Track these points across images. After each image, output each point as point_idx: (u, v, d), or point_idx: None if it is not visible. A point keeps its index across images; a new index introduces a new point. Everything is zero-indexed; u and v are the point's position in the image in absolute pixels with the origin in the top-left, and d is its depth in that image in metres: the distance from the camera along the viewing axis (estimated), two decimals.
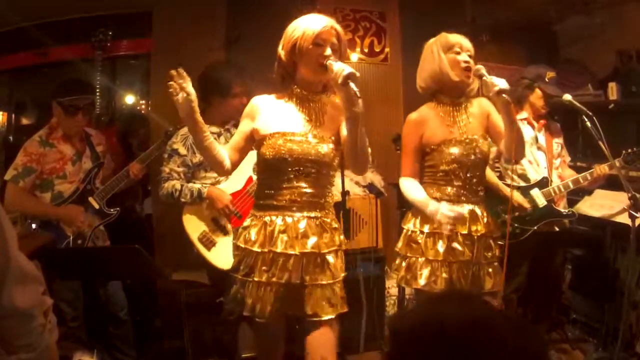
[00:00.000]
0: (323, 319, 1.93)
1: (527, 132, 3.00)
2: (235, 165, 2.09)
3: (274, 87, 2.10)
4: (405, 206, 2.58)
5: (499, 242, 2.32)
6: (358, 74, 1.79)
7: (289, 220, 1.97)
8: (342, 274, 2.02)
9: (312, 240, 1.95)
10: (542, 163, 3.06)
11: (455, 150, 2.25)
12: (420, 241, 2.27)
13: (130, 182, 2.96)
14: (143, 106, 4.49)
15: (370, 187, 3.29)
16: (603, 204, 3.07)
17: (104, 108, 3.67)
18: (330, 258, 1.98)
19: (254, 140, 2.05)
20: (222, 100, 2.77)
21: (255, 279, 1.95)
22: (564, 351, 3.27)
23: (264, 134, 1.99)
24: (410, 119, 2.36)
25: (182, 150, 2.74)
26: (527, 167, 3.04)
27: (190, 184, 2.72)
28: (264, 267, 1.94)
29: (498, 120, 2.26)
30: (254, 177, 2.73)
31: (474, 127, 2.30)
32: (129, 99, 4.77)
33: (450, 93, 2.31)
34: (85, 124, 2.88)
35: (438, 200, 2.25)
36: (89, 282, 2.83)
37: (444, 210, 2.13)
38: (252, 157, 2.79)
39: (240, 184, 2.76)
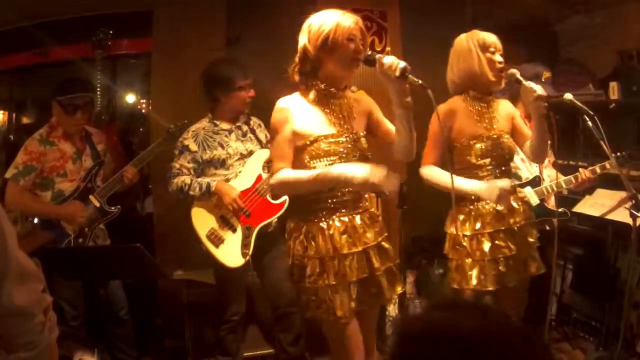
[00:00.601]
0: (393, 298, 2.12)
1: None
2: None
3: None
4: (406, 204, 2.59)
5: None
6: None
7: (345, 219, 2.00)
8: (397, 259, 2.16)
9: (369, 234, 2.03)
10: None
11: (484, 145, 2.32)
12: (464, 244, 2.32)
13: (128, 184, 2.95)
14: (143, 105, 4.49)
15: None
16: (604, 204, 3.06)
17: (104, 107, 3.67)
18: (385, 244, 2.09)
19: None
20: (228, 95, 2.75)
21: (327, 282, 1.95)
22: (564, 351, 3.27)
23: (306, 139, 1.97)
24: (440, 109, 2.33)
25: (193, 147, 2.73)
26: (520, 165, 3.05)
27: (199, 179, 2.71)
28: (333, 270, 1.95)
29: (521, 123, 2.38)
30: (264, 175, 2.74)
31: (502, 125, 2.39)
32: (130, 98, 4.77)
33: (481, 90, 2.36)
34: (84, 123, 2.88)
35: (474, 201, 2.34)
36: (90, 282, 2.83)
37: (499, 183, 2.17)
38: (261, 155, 2.80)
39: (250, 182, 2.75)
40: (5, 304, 1.07)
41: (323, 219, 2.00)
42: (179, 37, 3.57)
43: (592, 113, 2.68)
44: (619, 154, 2.89)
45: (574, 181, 2.97)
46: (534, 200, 2.96)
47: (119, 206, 2.91)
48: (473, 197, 2.33)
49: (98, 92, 3.50)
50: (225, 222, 2.72)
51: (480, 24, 3.91)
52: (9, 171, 2.70)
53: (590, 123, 2.68)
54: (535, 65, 3.14)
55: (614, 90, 3.52)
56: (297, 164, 2.00)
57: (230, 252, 2.67)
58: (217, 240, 2.68)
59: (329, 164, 1.94)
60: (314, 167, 1.95)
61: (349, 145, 1.99)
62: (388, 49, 3.90)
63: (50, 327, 1.16)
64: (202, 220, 2.71)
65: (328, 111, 2.01)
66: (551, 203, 3.10)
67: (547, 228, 3.05)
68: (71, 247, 2.73)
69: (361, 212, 2.06)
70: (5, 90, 4.74)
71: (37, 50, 4.07)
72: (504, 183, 2.17)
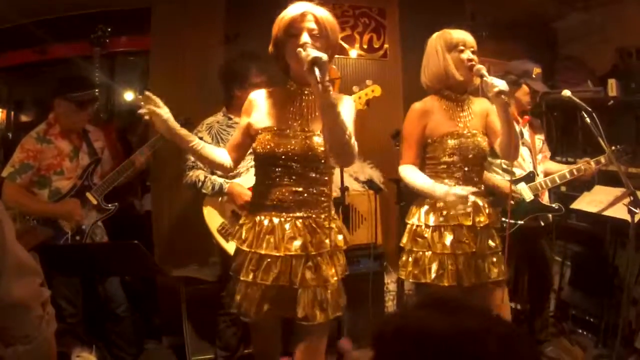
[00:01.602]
0: (313, 324, 1.88)
1: None
2: (237, 161, 2.09)
3: (281, 82, 2.08)
4: (404, 201, 2.59)
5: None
6: (325, 58, 1.66)
7: (275, 220, 1.92)
8: (335, 278, 1.93)
9: (297, 242, 1.88)
10: (527, 158, 3.06)
11: (456, 143, 2.29)
12: (426, 235, 2.29)
13: (134, 172, 2.94)
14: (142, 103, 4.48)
15: (370, 182, 3.29)
16: (602, 200, 3.07)
17: (102, 105, 3.67)
18: (320, 260, 1.91)
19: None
20: (243, 91, 2.75)
21: (242, 278, 1.93)
22: (563, 347, 3.28)
23: (256, 130, 1.96)
24: (415, 108, 2.38)
25: (207, 139, 2.77)
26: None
27: (213, 177, 2.74)
28: (250, 267, 1.91)
29: (495, 120, 2.29)
30: None
31: (475, 123, 2.35)
32: (128, 95, 4.76)
33: (455, 89, 2.35)
34: (89, 119, 2.89)
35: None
36: (88, 279, 2.83)
37: (455, 190, 2.13)
38: None
39: None
40: (3, 297, 1.07)
41: (259, 214, 1.95)
42: (177, 34, 3.57)
43: (590, 110, 2.69)
44: (615, 147, 2.89)
45: (568, 176, 2.97)
46: (528, 196, 2.96)
47: (116, 203, 2.90)
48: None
49: (97, 90, 3.49)
50: (236, 218, 2.73)
51: (479, 21, 3.93)
52: (5, 170, 2.70)
53: (588, 120, 2.69)
54: (525, 62, 3.12)
55: (612, 88, 3.52)
56: (254, 159, 2.02)
57: None
58: (228, 235, 2.73)
59: (272, 156, 1.91)
60: (261, 159, 1.95)
61: (293, 142, 1.89)
62: (386, 46, 3.90)
63: (48, 320, 1.16)
64: (214, 215, 2.78)
65: (290, 107, 1.96)
66: (545, 199, 3.09)
67: (542, 224, 3.05)
68: (70, 244, 2.73)
69: (300, 217, 1.91)
70: (3, 88, 4.73)
71: (35, 48, 4.06)
72: (463, 191, 2.13)
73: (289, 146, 1.89)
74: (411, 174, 2.33)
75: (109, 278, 2.89)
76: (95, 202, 2.83)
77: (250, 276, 1.91)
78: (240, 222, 2.04)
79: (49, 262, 2.26)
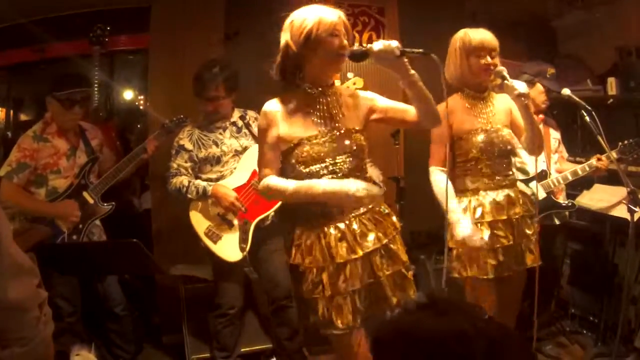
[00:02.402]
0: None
1: None
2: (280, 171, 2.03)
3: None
4: (404, 199, 2.60)
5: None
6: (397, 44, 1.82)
7: (341, 225, 1.91)
8: (406, 257, 2.02)
9: (371, 237, 1.92)
10: (541, 157, 3.06)
11: (482, 138, 2.38)
12: None
13: (140, 163, 2.94)
14: (141, 102, 4.48)
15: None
16: (602, 198, 3.07)
17: (101, 103, 3.66)
18: (392, 245, 1.98)
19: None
20: (200, 102, 2.78)
21: (327, 293, 1.87)
22: (562, 346, 3.28)
23: (290, 143, 1.92)
24: (440, 108, 2.39)
25: (189, 146, 2.78)
26: (527, 160, 3.04)
27: (197, 182, 2.75)
28: (330, 281, 1.87)
29: (518, 117, 2.39)
30: None
31: (498, 118, 2.44)
32: (127, 94, 4.76)
33: (475, 89, 2.44)
34: (81, 118, 2.87)
35: (475, 191, 2.39)
36: (87, 278, 2.83)
37: (463, 231, 2.24)
38: (256, 150, 2.80)
39: (245, 178, 2.77)
40: (0, 298, 1.06)
41: (318, 226, 1.92)
42: (176, 33, 3.56)
43: (589, 108, 2.68)
44: (628, 141, 2.91)
45: (580, 173, 2.99)
46: (541, 194, 2.98)
47: (113, 203, 2.89)
48: (475, 188, 2.42)
49: (95, 89, 3.48)
50: (223, 219, 2.75)
51: (479, 19, 3.93)
52: (2, 169, 2.69)
53: (588, 118, 2.68)
54: (540, 63, 3.16)
55: (612, 86, 3.52)
56: (288, 168, 1.96)
57: (228, 247, 2.70)
58: (215, 237, 2.72)
59: (317, 170, 1.89)
60: (304, 172, 1.90)
61: (334, 145, 1.91)
62: None
63: (45, 321, 1.15)
64: (200, 218, 2.76)
65: (312, 111, 1.94)
66: (562, 198, 3.13)
67: (557, 222, 3.08)
68: (69, 243, 2.72)
69: (361, 214, 1.95)
70: (2, 87, 4.72)
71: (34, 47, 4.05)
72: (474, 232, 2.26)
73: (332, 151, 1.91)
74: (438, 183, 2.39)
75: (107, 277, 2.88)
76: (92, 201, 2.82)
77: (329, 290, 1.87)
78: (296, 242, 1.97)
79: (47, 262, 2.25)
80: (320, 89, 1.96)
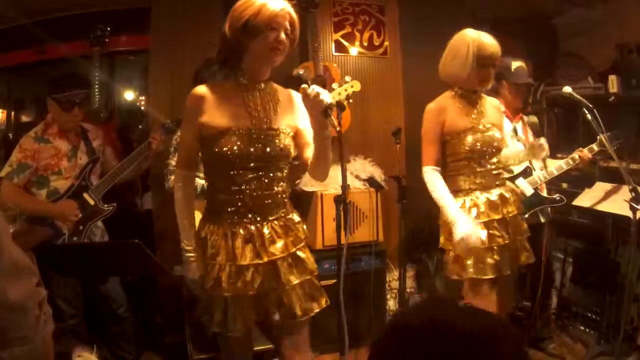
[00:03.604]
0: (309, 316, 1.88)
1: (506, 124, 2.97)
2: (198, 166, 1.98)
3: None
4: (405, 199, 2.60)
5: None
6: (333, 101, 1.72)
7: (251, 227, 1.83)
8: (315, 266, 1.94)
9: (279, 244, 1.85)
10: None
11: (474, 138, 2.38)
12: None
13: (150, 157, 2.93)
14: (142, 102, 4.48)
15: (371, 180, 3.28)
16: (604, 197, 3.06)
17: (102, 104, 3.66)
18: (301, 254, 1.90)
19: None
20: None
21: (225, 293, 1.81)
22: (565, 344, 3.27)
23: (212, 132, 1.80)
24: (431, 108, 2.46)
25: None
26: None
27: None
28: (231, 280, 1.80)
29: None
30: None
31: (489, 118, 2.45)
32: (128, 95, 4.77)
33: (468, 89, 2.44)
34: (81, 119, 2.87)
35: (469, 192, 2.40)
36: (89, 279, 2.83)
37: (461, 230, 2.23)
38: None
39: None
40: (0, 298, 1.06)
41: (228, 225, 1.84)
42: (176, 33, 3.56)
43: (591, 106, 2.68)
44: (609, 133, 2.86)
45: (564, 167, 2.98)
46: (528, 190, 2.98)
47: (114, 204, 2.88)
48: (468, 189, 2.42)
49: (96, 90, 3.49)
50: None
51: (479, 17, 3.92)
52: (3, 170, 2.70)
53: (589, 116, 2.68)
54: (503, 59, 3.11)
55: (613, 84, 3.51)
56: (204, 158, 1.89)
57: None
58: None
59: (238, 159, 1.79)
60: (223, 164, 1.81)
61: (259, 142, 1.81)
62: (386, 43, 3.89)
63: (45, 320, 1.14)
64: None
65: (247, 103, 1.84)
66: (544, 194, 3.10)
67: (542, 220, 3.07)
68: (70, 243, 2.72)
69: (274, 219, 1.87)
70: (3, 88, 4.73)
71: (35, 48, 4.06)
72: (474, 231, 2.23)
73: (258, 147, 1.81)
74: (433, 182, 2.38)
75: (109, 278, 2.88)
76: (92, 202, 2.82)
77: (232, 289, 1.81)
78: (202, 235, 1.90)
79: (48, 262, 2.26)
80: (254, 81, 1.86)
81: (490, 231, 2.34)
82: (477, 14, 4.03)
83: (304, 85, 1.72)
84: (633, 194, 2.61)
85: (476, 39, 2.33)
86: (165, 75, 3.57)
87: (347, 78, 2.92)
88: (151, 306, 3.53)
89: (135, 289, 3.30)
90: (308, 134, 1.91)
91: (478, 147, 2.38)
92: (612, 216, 3.05)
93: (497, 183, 2.44)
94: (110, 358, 2.94)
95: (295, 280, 1.87)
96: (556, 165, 3.01)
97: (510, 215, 2.40)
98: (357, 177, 3.34)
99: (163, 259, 3.23)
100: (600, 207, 3.06)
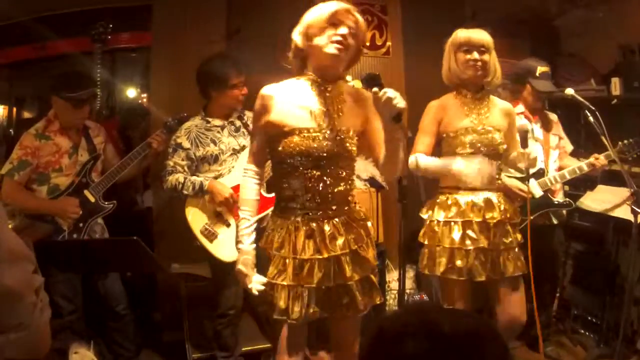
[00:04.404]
0: (366, 310, 1.97)
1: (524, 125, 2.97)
2: (264, 163, 2.06)
3: (281, 78, 2.01)
4: (406, 199, 2.61)
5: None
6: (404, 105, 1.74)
7: (313, 224, 1.89)
8: (375, 264, 2.01)
9: (340, 241, 1.89)
10: (539, 156, 3.05)
11: (470, 138, 2.36)
12: (437, 230, 2.38)
13: (145, 161, 2.94)
14: (144, 99, 4.48)
15: (371, 180, 3.27)
16: (605, 199, 3.05)
17: (104, 102, 3.66)
18: (361, 251, 1.94)
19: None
20: (222, 93, 2.77)
21: (285, 282, 1.88)
22: (564, 347, 3.27)
23: (279, 131, 1.86)
24: (432, 104, 2.50)
25: (186, 144, 2.75)
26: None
27: (193, 177, 2.73)
28: (295, 272, 1.87)
29: (514, 131, 2.47)
30: None
31: (492, 120, 2.42)
32: (129, 92, 4.76)
33: (469, 88, 2.44)
34: (87, 117, 2.88)
35: (454, 190, 2.40)
36: (88, 276, 2.82)
37: (458, 163, 2.28)
38: None
39: None
40: None
41: (292, 220, 1.91)
42: (178, 30, 3.56)
43: (593, 108, 2.67)
44: (628, 141, 2.88)
45: (578, 172, 2.96)
46: (538, 192, 2.97)
47: (114, 201, 2.87)
48: (454, 187, 2.41)
49: (98, 87, 3.48)
50: (219, 218, 2.74)
51: (481, 18, 3.92)
52: (4, 167, 2.70)
53: (591, 118, 2.67)
54: (529, 60, 3.10)
55: (615, 86, 3.51)
56: (273, 156, 1.95)
57: (224, 246, 2.70)
58: (211, 236, 2.72)
59: (305, 158, 1.85)
60: (290, 162, 1.87)
61: (325, 143, 1.85)
62: (389, 43, 3.89)
63: (42, 307, 1.14)
64: (196, 216, 2.75)
65: (313, 104, 1.88)
66: (559, 196, 3.09)
67: (555, 222, 3.06)
68: (69, 240, 2.71)
69: (337, 217, 1.92)
70: (4, 84, 4.72)
71: (36, 44, 4.05)
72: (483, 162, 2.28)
73: (322, 148, 1.85)
74: (423, 159, 2.40)
75: (108, 276, 2.88)
76: (93, 199, 2.82)
77: (295, 280, 1.87)
78: (269, 227, 1.99)
79: (47, 259, 2.25)
80: (321, 81, 1.91)
81: (467, 232, 2.31)
82: (479, 15, 4.02)
83: (375, 89, 1.75)
84: (634, 197, 2.61)
85: (455, 32, 2.42)
86: (166, 73, 3.57)
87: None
88: (150, 304, 3.53)
89: (134, 286, 3.30)
90: (378, 134, 1.95)
91: (473, 148, 2.34)
92: (613, 219, 3.03)
93: (489, 187, 2.38)
94: (108, 355, 2.93)
95: (355, 277, 1.92)
96: (569, 169, 2.98)
97: (494, 221, 2.31)
98: (357, 177, 3.33)
99: (162, 256, 3.24)
100: (601, 210, 3.05)
